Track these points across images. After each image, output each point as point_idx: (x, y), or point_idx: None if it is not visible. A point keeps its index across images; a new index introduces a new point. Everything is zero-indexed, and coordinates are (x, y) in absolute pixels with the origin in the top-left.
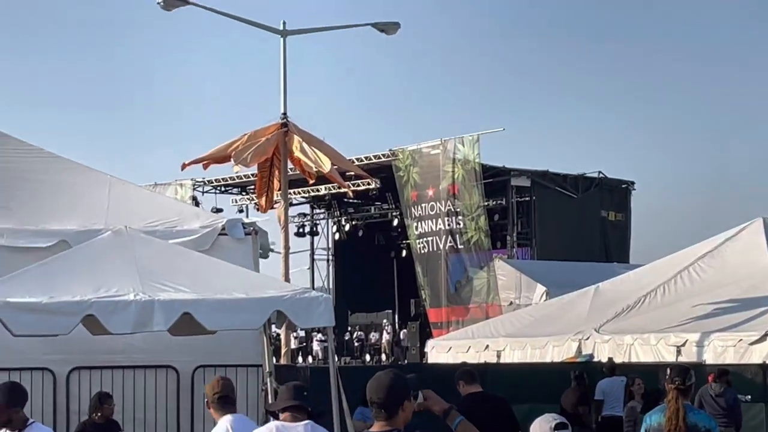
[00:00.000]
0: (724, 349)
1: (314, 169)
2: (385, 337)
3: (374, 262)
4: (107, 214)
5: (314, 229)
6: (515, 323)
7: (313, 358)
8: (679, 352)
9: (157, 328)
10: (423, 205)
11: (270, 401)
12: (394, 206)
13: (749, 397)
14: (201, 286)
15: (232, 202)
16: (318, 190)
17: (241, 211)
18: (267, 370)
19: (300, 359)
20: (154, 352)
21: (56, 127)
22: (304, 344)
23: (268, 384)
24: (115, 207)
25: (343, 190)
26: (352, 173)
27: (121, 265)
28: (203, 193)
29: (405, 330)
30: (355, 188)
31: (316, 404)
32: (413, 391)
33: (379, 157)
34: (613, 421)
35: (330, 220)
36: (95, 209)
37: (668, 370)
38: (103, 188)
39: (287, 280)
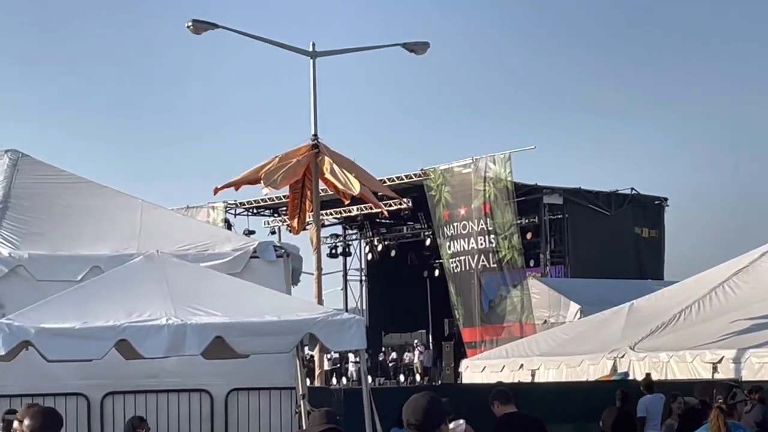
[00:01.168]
0: (761, 365)
1: (343, 190)
2: (417, 356)
3: (407, 282)
4: (139, 238)
5: (347, 250)
6: (549, 342)
7: (348, 380)
8: (715, 369)
9: (190, 352)
10: (455, 224)
11: (304, 424)
12: (426, 226)
13: None
14: (233, 309)
15: (264, 224)
16: (350, 211)
17: (273, 233)
18: (300, 392)
19: (334, 380)
20: (187, 376)
21: (86, 151)
22: (338, 365)
23: (302, 406)
24: (147, 231)
25: (375, 210)
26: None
27: (154, 290)
28: (235, 215)
29: (428, 350)
30: (387, 208)
31: (350, 427)
32: (450, 415)
33: (411, 177)
34: None
35: (362, 241)
36: (127, 234)
37: (714, 390)
38: (135, 213)
39: (320, 301)
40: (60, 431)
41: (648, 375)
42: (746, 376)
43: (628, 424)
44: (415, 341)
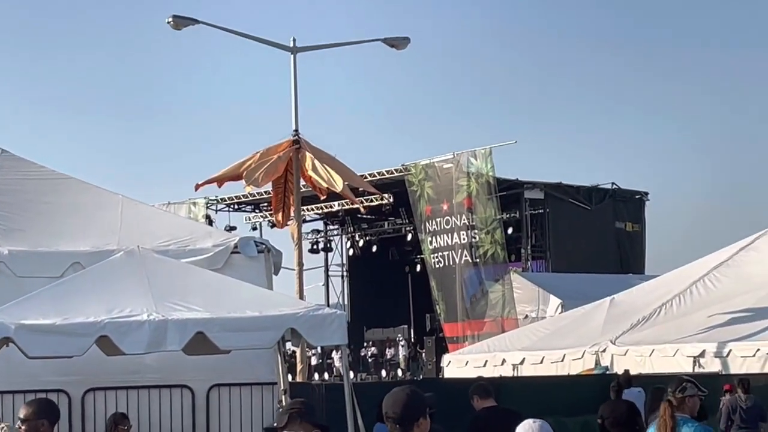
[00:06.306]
0: (743, 359)
1: (325, 186)
2: (401, 351)
3: (389, 278)
4: (119, 234)
5: (328, 245)
6: (531, 336)
7: (330, 374)
8: (696, 363)
9: (171, 347)
10: (437, 219)
11: None
12: (407, 221)
13: None
14: (214, 305)
15: (246, 220)
16: (331, 207)
17: (254, 228)
18: (282, 387)
19: (316, 376)
20: (168, 372)
21: (67, 149)
22: (321, 361)
23: (283, 401)
24: (128, 227)
25: (356, 205)
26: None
27: (134, 286)
28: (217, 211)
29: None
30: (368, 204)
31: (332, 422)
32: (429, 409)
33: (392, 172)
34: None
35: (344, 236)
36: (107, 230)
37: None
38: (115, 208)
39: (302, 297)
40: (57, 421)
41: (626, 371)
42: (727, 369)
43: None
44: (398, 336)
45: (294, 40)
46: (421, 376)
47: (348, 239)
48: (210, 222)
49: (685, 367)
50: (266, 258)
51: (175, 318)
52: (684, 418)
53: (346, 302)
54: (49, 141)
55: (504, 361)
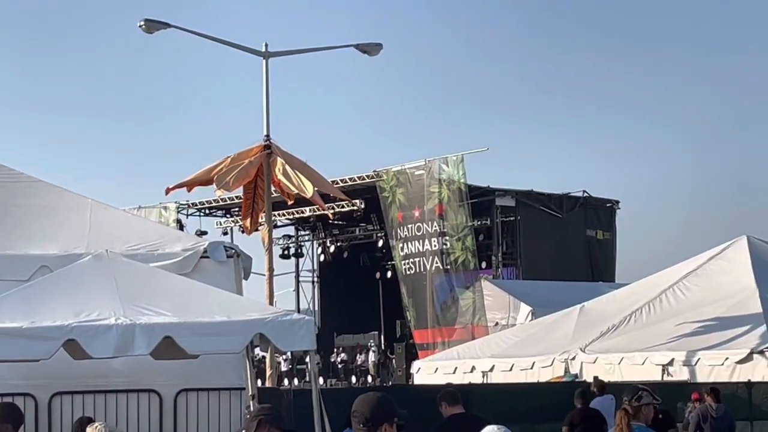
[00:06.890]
0: (711, 368)
1: (295, 192)
2: (371, 357)
3: (359, 284)
4: (88, 238)
5: (299, 250)
6: (501, 344)
7: (300, 380)
8: (665, 371)
9: (139, 352)
10: (409, 225)
11: None
12: (378, 227)
13: None
14: (182, 309)
15: (217, 225)
16: (302, 212)
17: (225, 233)
18: (250, 393)
19: (286, 381)
20: (136, 376)
21: (37, 151)
22: (291, 366)
23: (251, 407)
24: (96, 231)
25: (325, 211)
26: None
27: (102, 289)
28: (187, 216)
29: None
30: (339, 209)
31: (300, 427)
32: (398, 419)
33: (364, 178)
34: None
35: (315, 242)
36: (76, 233)
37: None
38: (85, 212)
39: (272, 302)
40: (21, 425)
41: (596, 377)
42: (695, 377)
43: (601, 423)
44: (370, 342)
45: (266, 45)
46: (390, 383)
47: (319, 245)
48: (181, 226)
49: (654, 375)
50: (236, 263)
51: (143, 322)
52: (639, 427)
53: (316, 308)
54: (12, 144)
55: (473, 368)
